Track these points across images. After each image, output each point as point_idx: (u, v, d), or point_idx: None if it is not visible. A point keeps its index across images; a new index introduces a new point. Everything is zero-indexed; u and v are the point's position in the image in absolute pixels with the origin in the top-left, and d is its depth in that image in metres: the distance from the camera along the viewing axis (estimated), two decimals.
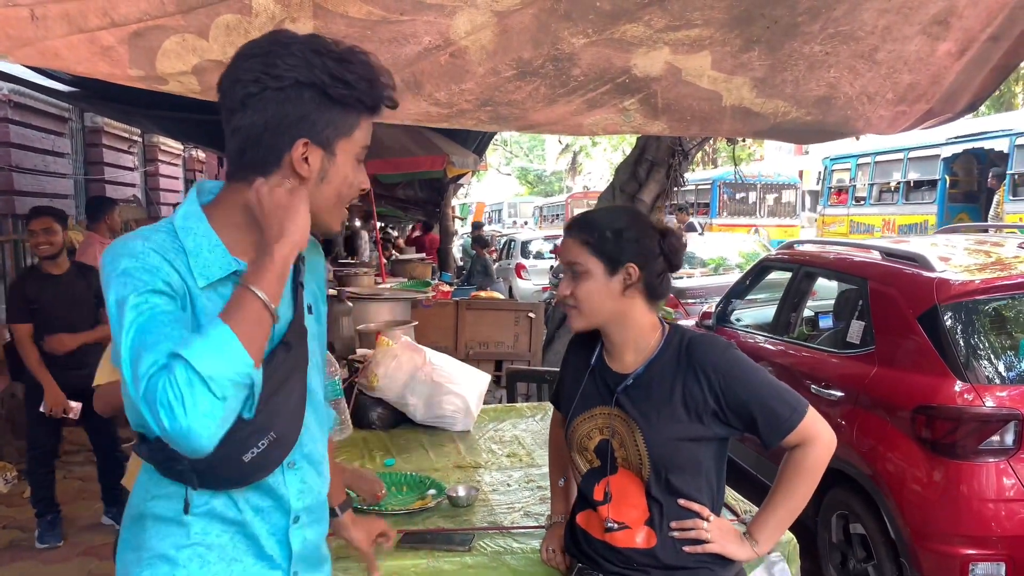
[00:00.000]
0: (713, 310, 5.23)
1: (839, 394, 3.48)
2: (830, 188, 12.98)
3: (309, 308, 1.35)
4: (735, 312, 5.18)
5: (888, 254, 3.66)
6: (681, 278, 8.53)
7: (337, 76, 1.15)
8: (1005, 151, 8.83)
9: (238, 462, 1.17)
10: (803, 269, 4.41)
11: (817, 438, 1.56)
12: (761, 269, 5.10)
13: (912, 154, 10.30)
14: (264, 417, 1.17)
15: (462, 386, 2.86)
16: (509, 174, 43.25)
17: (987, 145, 9.27)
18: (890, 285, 3.45)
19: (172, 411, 1.00)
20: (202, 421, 1.01)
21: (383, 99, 1.21)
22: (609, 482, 1.62)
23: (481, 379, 3.02)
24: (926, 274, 3.30)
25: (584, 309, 1.59)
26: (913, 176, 10.56)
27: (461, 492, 2.14)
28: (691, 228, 11.96)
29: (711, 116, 1.62)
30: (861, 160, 11.69)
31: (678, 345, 1.60)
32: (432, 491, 2.19)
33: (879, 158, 10.98)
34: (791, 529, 1.99)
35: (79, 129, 8.63)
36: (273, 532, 1.29)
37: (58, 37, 1.41)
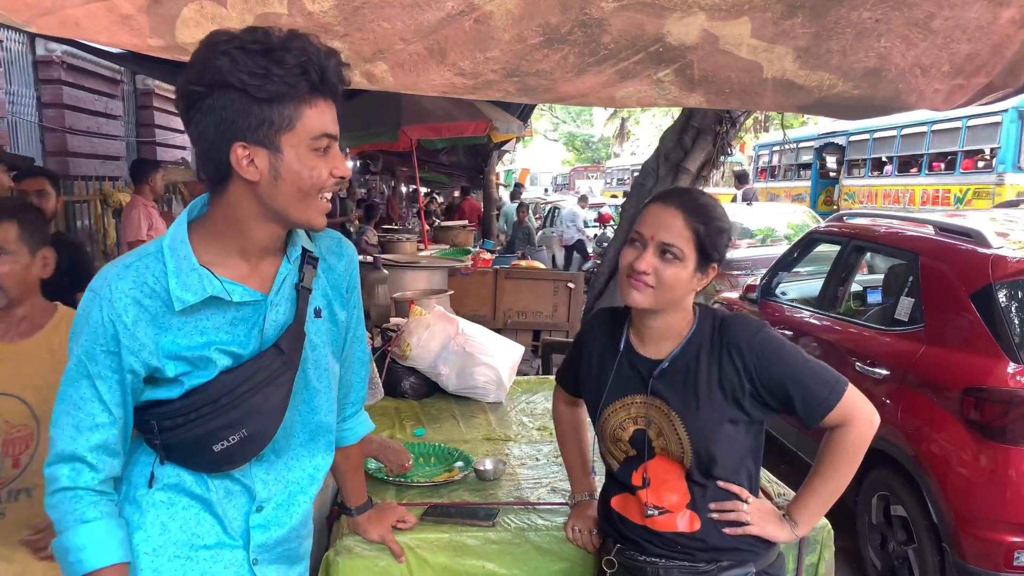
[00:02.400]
0: (758, 283, 5.10)
1: (884, 372, 3.38)
2: (758, 168, 17.63)
3: (317, 312, 1.35)
4: (780, 285, 5.05)
5: (942, 228, 3.51)
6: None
7: (258, 72, 1.11)
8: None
9: (208, 450, 1.23)
10: (852, 242, 4.26)
11: (858, 417, 1.51)
12: (809, 241, 4.95)
13: (802, 144, 14.82)
14: (240, 414, 1.23)
15: (495, 357, 2.85)
16: (556, 140, 42.77)
17: (840, 140, 13.66)
18: (943, 261, 3.30)
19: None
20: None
21: (322, 84, 1.16)
22: (647, 467, 1.58)
23: (514, 350, 3.00)
24: (981, 250, 3.15)
25: (660, 292, 1.49)
26: (801, 159, 15.17)
27: (488, 465, 2.13)
28: (748, 196, 11.57)
29: (751, 89, 1.53)
30: (774, 148, 16.49)
31: (710, 327, 1.55)
32: (459, 463, 2.19)
33: (785, 147, 15.35)
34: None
35: (131, 91, 8.77)
36: (236, 516, 1.33)
37: (76, 6, 1.40)
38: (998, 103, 1.60)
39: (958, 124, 10.40)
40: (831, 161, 13.86)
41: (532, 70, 1.54)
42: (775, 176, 16.60)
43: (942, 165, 10.88)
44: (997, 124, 9.72)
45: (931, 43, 1.35)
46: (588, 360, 1.70)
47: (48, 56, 6.95)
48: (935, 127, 10.88)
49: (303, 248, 1.33)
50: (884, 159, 12.50)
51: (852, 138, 13.36)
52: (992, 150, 9.90)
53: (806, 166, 14.88)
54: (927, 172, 11.15)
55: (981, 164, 10.00)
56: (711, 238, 1.50)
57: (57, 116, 7.07)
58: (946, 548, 2.92)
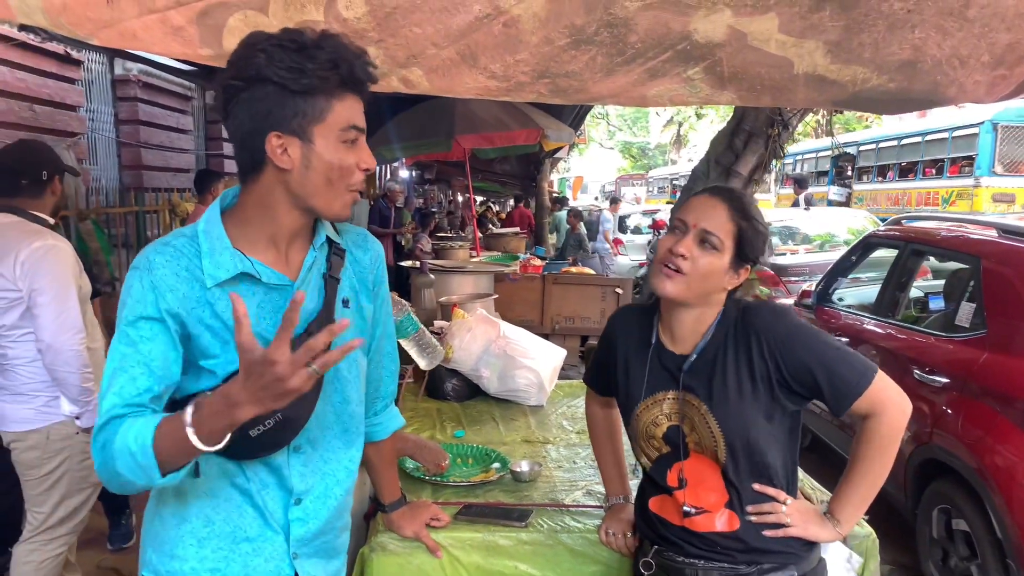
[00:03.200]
0: (814, 288, 4.98)
1: (944, 380, 3.25)
2: (783, 175, 17.97)
3: (345, 301, 1.39)
4: (837, 291, 4.92)
5: (1005, 231, 3.37)
6: (784, 255, 8.17)
7: (294, 67, 1.17)
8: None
9: (246, 436, 1.24)
10: (911, 246, 4.13)
11: (889, 404, 1.48)
12: (867, 246, 4.81)
13: (821, 153, 16.50)
14: None
15: (536, 361, 2.85)
16: (612, 148, 42.55)
17: (851, 150, 14.94)
18: (1006, 264, 3.17)
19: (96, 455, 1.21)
20: (104, 475, 1.21)
21: (350, 80, 1.22)
22: (683, 468, 1.57)
23: (556, 354, 3.00)
24: None
25: (693, 280, 1.49)
26: (821, 167, 16.62)
27: (524, 467, 2.14)
28: (808, 202, 11.47)
29: (783, 85, 1.50)
30: (798, 157, 17.53)
31: (734, 317, 1.54)
32: (496, 465, 2.20)
33: (807, 156, 17.39)
34: (874, 521, 1.89)
35: (200, 107, 9.12)
36: (276, 508, 1.36)
37: (132, 18, 1.48)
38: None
39: (945, 135, 12.02)
40: (846, 168, 15.25)
41: (562, 71, 1.55)
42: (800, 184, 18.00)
43: (934, 171, 12.37)
44: (976, 135, 11.17)
45: (968, 32, 1.30)
46: (618, 358, 1.68)
47: (125, 75, 7.30)
48: (928, 137, 12.56)
49: (329, 239, 1.37)
50: (888, 166, 13.93)
51: (862, 148, 14.77)
52: (972, 157, 11.29)
53: (823, 173, 16.28)
54: (921, 177, 12.68)
55: (966, 169, 11.42)
56: (751, 235, 1.50)
57: (132, 132, 7.41)
58: (1011, 564, 2.79)
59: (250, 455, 1.32)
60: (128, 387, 1.21)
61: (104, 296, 4.25)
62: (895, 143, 13.55)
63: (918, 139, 12.84)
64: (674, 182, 24.83)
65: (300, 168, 1.23)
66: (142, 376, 1.22)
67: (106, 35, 1.61)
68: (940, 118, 11.90)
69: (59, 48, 5.73)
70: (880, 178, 14.04)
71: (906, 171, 13.19)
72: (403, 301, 2.62)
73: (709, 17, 1.32)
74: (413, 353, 2.56)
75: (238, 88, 1.20)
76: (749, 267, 1.54)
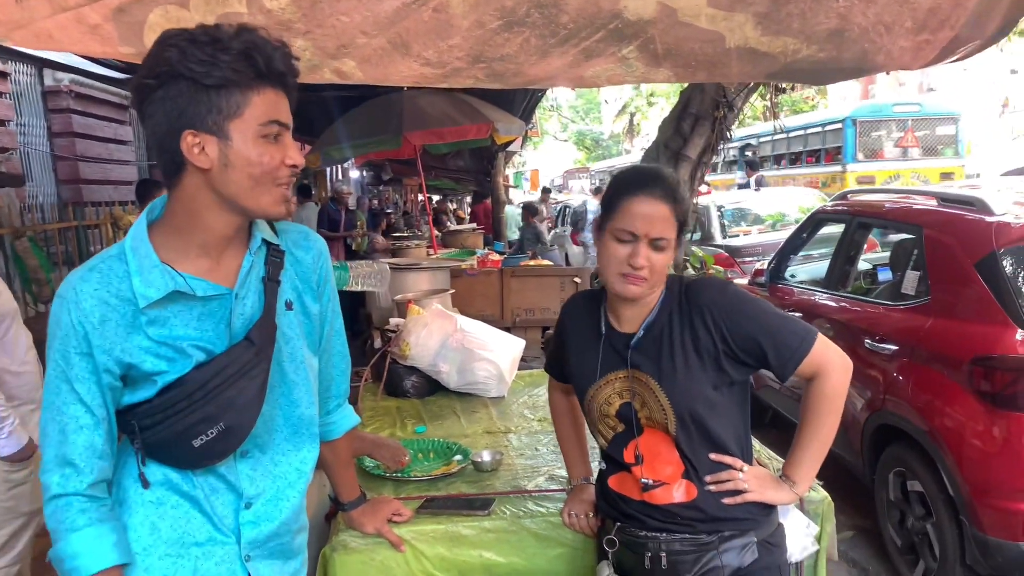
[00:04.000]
0: (766, 267, 5.06)
1: (893, 348, 3.33)
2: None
3: (288, 304, 1.36)
4: (789, 268, 5.00)
5: (944, 199, 3.46)
6: (737, 236, 8.29)
7: (206, 60, 1.14)
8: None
9: (188, 446, 1.25)
10: (857, 219, 4.21)
11: (830, 365, 1.53)
12: (816, 222, 4.90)
13: (731, 145, 15.40)
14: (214, 408, 1.24)
15: (495, 352, 2.84)
16: (566, 140, 42.69)
17: (753, 141, 16.37)
18: (945, 232, 3.26)
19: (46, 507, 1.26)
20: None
21: (268, 71, 1.18)
22: (638, 443, 1.59)
23: (515, 345, 3.00)
24: (984, 218, 3.10)
25: (654, 281, 1.52)
26: (731, 156, 17.17)
27: (485, 457, 2.13)
28: (760, 183, 11.75)
29: (716, 59, 1.52)
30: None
31: (678, 293, 1.56)
32: (458, 457, 2.19)
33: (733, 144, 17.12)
34: (834, 488, 1.93)
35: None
36: (226, 513, 1.34)
37: (45, 18, 1.43)
38: (962, 61, 1.58)
39: (820, 129, 14.24)
40: (750, 157, 16.34)
41: (497, 55, 1.55)
42: (715, 170, 18.84)
43: (814, 159, 14.28)
44: (841, 128, 13.41)
45: None
46: (570, 345, 1.71)
47: (56, 86, 7.06)
48: (809, 131, 14.51)
49: (268, 242, 1.34)
50: (782, 155, 15.47)
51: (762, 139, 16.16)
52: (840, 147, 13.38)
53: (733, 161, 17.32)
54: (804, 164, 14.53)
55: (837, 158, 13.48)
56: (685, 216, 1.52)
57: (68, 145, 7.17)
58: (964, 521, 2.87)
59: (194, 465, 1.31)
60: (71, 425, 1.23)
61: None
62: (785, 136, 14.62)
63: (801, 132, 14.65)
64: (612, 174, 25.97)
65: (219, 167, 1.19)
66: (84, 415, 1.23)
67: (21, 36, 1.55)
68: (817, 115, 14.62)
69: None
70: (776, 165, 15.66)
71: (794, 160, 15.07)
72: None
73: None
74: (367, 287, 2.49)
75: (151, 87, 1.16)
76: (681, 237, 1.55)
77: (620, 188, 1.54)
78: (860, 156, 13.24)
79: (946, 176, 12.77)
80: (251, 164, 1.19)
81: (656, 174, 1.54)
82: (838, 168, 13.34)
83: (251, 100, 1.17)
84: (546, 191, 15.16)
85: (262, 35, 1.18)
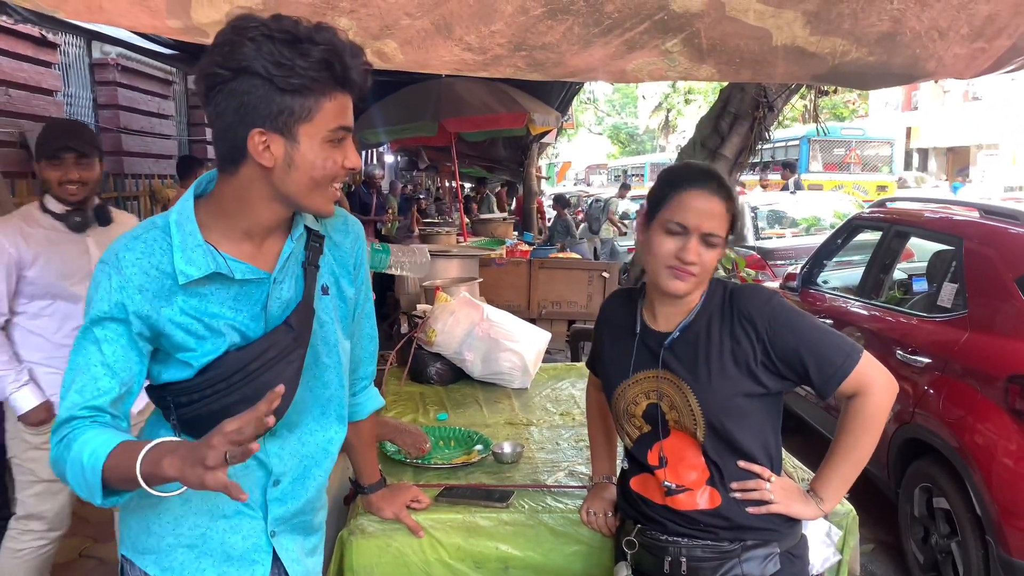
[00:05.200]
0: (798, 271, 4.99)
1: (927, 360, 3.26)
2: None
3: (325, 289, 1.37)
4: (822, 274, 4.92)
5: (987, 212, 3.38)
6: (771, 238, 8.18)
7: (284, 63, 1.13)
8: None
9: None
10: (894, 228, 4.13)
11: (874, 384, 1.48)
12: (851, 228, 4.81)
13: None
14: (252, 390, 1.25)
15: (520, 343, 2.83)
16: (601, 134, 42.47)
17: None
18: (987, 244, 3.18)
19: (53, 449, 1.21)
20: (56, 472, 1.21)
21: (344, 80, 1.17)
22: (663, 446, 1.57)
23: (541, 337, 2.99)
24: None
25: (702, 278, 1.50)
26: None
27: (506, 449, 2.12)
28: (797, 186, 11.69)
29: (762, 58, 1.48)
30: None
31: (721, 297, 1.53)
32: (479, 447, 2.19)
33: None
34: (857, 500, 1.89)
35: (182, 92, 8.98)
36: (254, 488, 1.35)
37: None
38: (1016, 72, 1.51)
39: (784, 143, 17.24)
40: (787, 159, 17.67)
41: (539, 43, 1.53)
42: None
43: (780, 167, 15.76)
44: (799, 144, 16.87)
45: (947, 3, 1.28)
46: (605, 343, 1.70)
47: (104, 59, 7.17)
48: (777, 144, 16.99)
49: (307, 227, 1.34)
50: (756, 163, 17.29)
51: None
52: (796, 159, 16.02)
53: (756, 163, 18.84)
54: (772, 171, 15.81)
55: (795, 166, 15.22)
56: (737, 216, 1.51)
57: (112, 117, 7.28)
58: (990, 541, 2.81)
59: None
60: (89, 386, 1.21)
61: None
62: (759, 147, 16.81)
63: (771, 145, 16.66)
64: (625, 171, 28.48)
65: (282, 166, 1.19)
66: (104, 377, 1.21)
67: (72, 7, 1.56)
68: (780, 132, 17.13)
69: (34, 31, 5.62)
70: (750, 171, 17.83)
71: (765, 167, 16.58)
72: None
73: None
74: (405, 272, 2.46)
75: (223, 77, 1.15)
76: (730, 237, 1.54)
77: (673, 181, 1.51)
78: (812, 167, 16.70)
79: (882, 188, 15.67)
80: (314, 168, 1.20)
81: (711, 170, 1.53)
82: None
83: (323, 106, 1.17)
84: (625, 187, 15.15)
85: (341, 38, 1.17)
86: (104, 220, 2.60)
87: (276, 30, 1.13)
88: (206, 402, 1.27)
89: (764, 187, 13.34)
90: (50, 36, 5.93)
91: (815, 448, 3.53)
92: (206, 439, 1.01)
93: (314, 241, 1.35)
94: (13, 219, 2.53)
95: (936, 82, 1.69)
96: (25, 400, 2.44)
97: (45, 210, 2.52)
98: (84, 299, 1.30)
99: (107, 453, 1.12)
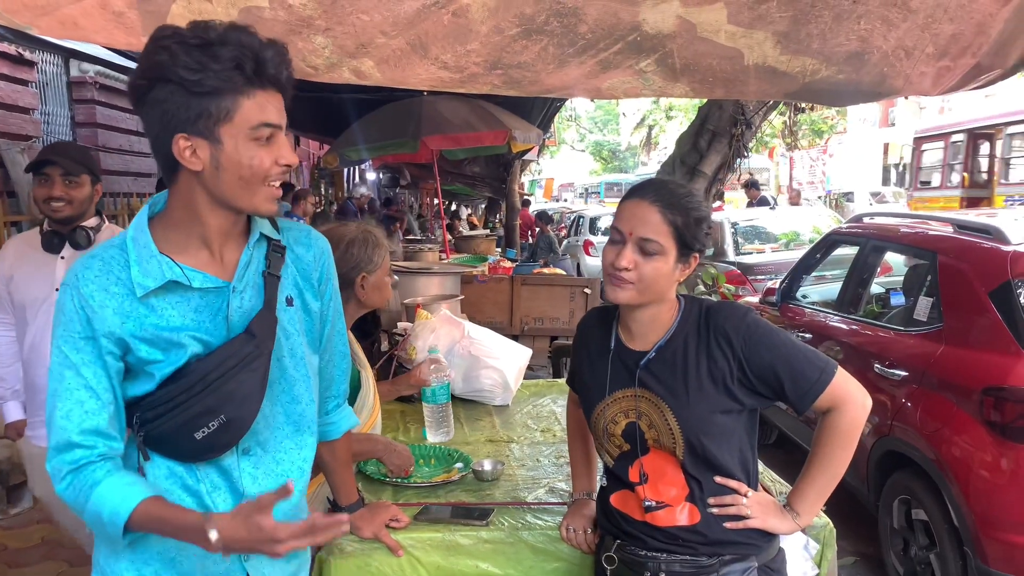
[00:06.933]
0: (778, 286, 5.03)
1: (903, 374, 3.30)
2: None
3: (289, 300, 1.37)
4: (801, 288, 4.97)
5: (961, 226, 3.43)
6: (750, 253, 8.25)
7: (194, 67, 1.14)
8: None
9: (191, 439, 1.25)
10: (871, 243, 4.18)
11: (849, 399, 1.50)
12: (830, 243, 4.87)
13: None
14: (215, 400, 1.24)
15: (501, 360, 2.83)
16: (583, 150, 42.73)
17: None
18: (961, 259, 3.23)
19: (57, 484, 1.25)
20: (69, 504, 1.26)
21: (260, 76, 1.18)
22: (643, 463, 1.57)
23: (522, 354, 2.99)
24: (1000, 247, 3.07)
25: (642, 288, 1.49)
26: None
27: (487, 466, 2.12)
28: (763, 202, 11.66)
29: (734, 77, 1.51)
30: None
31: (697, 316, 1.54)
32: (459, 464, 2.18)
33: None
34: (837, 513, 1.90)
35: None
36: (226, 510, 1.31)
37: (70, 4, 1.43)
38: (982, 88, 1.56)
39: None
40: (750, 179, 20.23)
41: (514, 62, 1.54)
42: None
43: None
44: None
45: (912, 23, 1.32)
46: (583, 360, 1.70)
47: (82, 77, 7.14)
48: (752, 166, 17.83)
49: (268, 237, 1.34)
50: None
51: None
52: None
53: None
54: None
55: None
56: (690, 229, 1.49)
57: (91, 135, 7.24)
58: (968, 552, 2.84)
59: (198, 457, 1.31)
60: (76, 411, 1.22)
61: None
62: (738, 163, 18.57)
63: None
64: (589, 190, 29.49)
65: (211, 169, 1.20)
66: (89, 399, 1.23)
67: (46, 23, 1.56)
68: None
69: (11, 49, 5.60)
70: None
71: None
72: (447, 370, 2.50)
73: (658, 7, 1.32)
74: (429, 419, 2.45)
75: (144, 88, 1.17)
76: (696, 257, 1.53)
77: (624, 195, 1.55)
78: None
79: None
80: (241, 167, 1.20)
81: (658, 183, 1.55)
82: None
83: (241, 105, 1.18)
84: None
85: (253, 35, 1.17)
86: (79, 244, 2.54)
87: (189, 36, 1.15)
88: (171, 415, 1.26)
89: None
90: (27, 54, 5.91)
91: (797, 461, 3.55)
92: (267, 534, 1.13)
93: (275, 251, 1.35)
94: (20, 235, 2.69)
95: (907, 98, 1.72)
96: (14, 411, 2.58)
97: (42, 228, 2.56)
98: (45, 321, 1.31)
99: (129, 510, 1.18)
